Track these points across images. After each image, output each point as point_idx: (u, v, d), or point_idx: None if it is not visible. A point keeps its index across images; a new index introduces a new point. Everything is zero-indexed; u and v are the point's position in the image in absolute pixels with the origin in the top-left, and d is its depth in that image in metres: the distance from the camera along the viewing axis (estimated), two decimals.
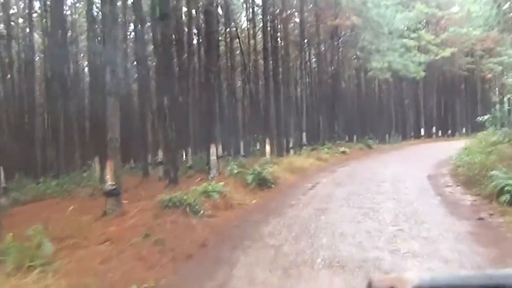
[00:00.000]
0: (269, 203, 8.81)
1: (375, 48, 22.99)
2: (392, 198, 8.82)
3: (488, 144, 15.69)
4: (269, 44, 22.65)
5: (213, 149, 12.32)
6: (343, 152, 20.90)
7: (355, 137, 33.39)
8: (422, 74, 30.85)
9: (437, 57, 32.29)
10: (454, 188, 10.55)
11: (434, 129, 37.33)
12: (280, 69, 24.28)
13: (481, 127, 41.72)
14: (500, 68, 42.21)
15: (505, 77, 44.21)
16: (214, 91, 18.96)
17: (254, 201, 8.79)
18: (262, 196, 9.43)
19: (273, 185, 10.67)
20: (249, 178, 10.25)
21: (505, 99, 49.17)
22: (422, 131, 36.75)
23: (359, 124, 33.39)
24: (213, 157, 12.26)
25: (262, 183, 10.49)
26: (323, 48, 32.35)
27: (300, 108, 24.37)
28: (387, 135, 35.36)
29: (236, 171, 10.92)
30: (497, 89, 47.06)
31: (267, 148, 16.87)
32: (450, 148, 24.08)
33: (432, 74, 36.65)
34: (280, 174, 12.26)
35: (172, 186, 11.42)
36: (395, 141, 31.87)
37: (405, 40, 27.97)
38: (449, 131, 39.76)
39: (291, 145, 23.84)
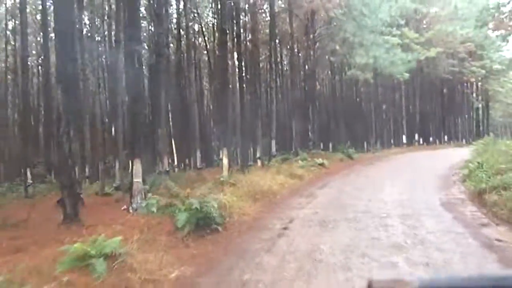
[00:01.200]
0: (204, 275, 4.85)
1: (359, 41, 19.51)
2: (421, 262, 5.03)
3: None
4: (232, 39, 18.97)
5: (137, 168, 8.26)
6: (321, 165, 17.21)
7: (331, 145, 29.96)
8: (406, 76, 27.77)
9: (421, 57, 29.26)
10: (497, 230, 6.92)
11: (416, 137, 34.34)
12: (245, 68, 20.61)
13: (465, 134, 38.87)
14: (484, 71, 40.06)
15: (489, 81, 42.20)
16: (159, 89, 15.15)
17: (175, 274, 4.79)
18: (195, 257, 5.45)
19: (220, 228, 6.72)
20: (180, 219, 6.27)
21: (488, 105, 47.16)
22: (404, 139, 33.70)
23: (336, 130, 29.92)
24: (136, 179, 8.19)
25: (204, 225, 6.54)
26: (297, 48, 28.85)
27: (270, 112, 20.49)
28: (365, 143, 32.07)
29: (155, 208, 6.92)
30: (475, 94, 44.87)
31: (225, 161, 12.91)
32: (443, 159, 20.98)
33: (415, 77, 33.72)
34: (237, 203, 8.32)
35: (67, 225, 7.31)
36: (376, 150, 28.56)
37: (387, 37, 24.68)
38: (431, 139, 36.90)
39: (258, 154, 20.04)
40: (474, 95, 42.85)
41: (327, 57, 29.46)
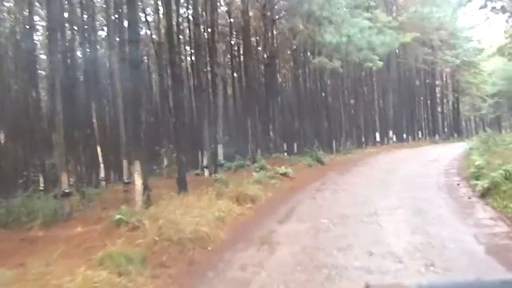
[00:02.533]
0: None
1: (327, 17, 15.47)
2: None
3: None
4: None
5: None
6: (284, 175, 12.99)
7: (296, 146, 25.94)
8: (379, 64, 24.10)
9: (397, 43, 25.67)
10: None
11: (390, 134, 30.85)
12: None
13: (438, 130, 35.82)
14: (458, 61, 37.33)
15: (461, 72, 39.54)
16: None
17: None
18: None
19: None
20: None
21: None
22: (378, 136, 30.13)
23: (302, 129, 25.95)
24: None
25: None
26: (254, 35, 24.70)
27: (215, 110, 15.99)
28: (334, 142, 28.27)
29: None
30: (448, 87, 42.16)
31: (137, 183, 8.44)
32: (432, 161, 17.38)
33: (387, 67, 30.25)
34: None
35: None
36: (349, 150, 24.73)
37: (357, 20, 20.84)
38: (404, 136, 33.59)
39: (205, 163, 15.73)
40: (447, 87, 40.08)
41: (289, 43, 25.45)
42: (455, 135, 43.27)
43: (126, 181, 15.32)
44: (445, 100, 42.25)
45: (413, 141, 32.64)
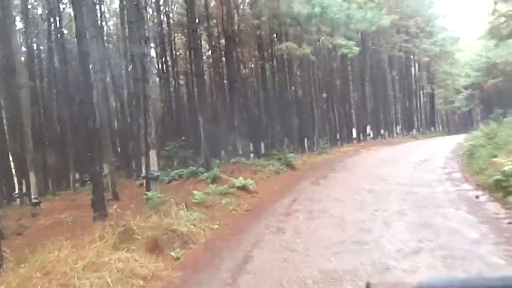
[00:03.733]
0: None
1: None
2: None
3: None
4: None
5: None
6: (243, 188, 9.59)
7: (263, 146, 22.74)
8: (356, 50, 21.11)
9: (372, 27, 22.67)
10: None
11: (368, 129, 27.93)
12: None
13: (415, 124, 33.28)
14: (437, 49, 34.93)
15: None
16: None
17: None
18: None
19: None
20: None
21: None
22: (354, 133, 27.18)
23: (269, 126, 22.77)
24: None
25: None
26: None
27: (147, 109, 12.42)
28: (306, 140, 25.21)
29: None
30: (425, 78, 39.82)
31: None
32: (423, 161, 14.47)
33: (363, 55, 27.39)
34: None
35: None
36: (323, 149, 21.60)
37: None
38: (382, 131, 30.84)
39: (143, 173, 12.27)
40: (423, 78, 37.70)
41: (253, 30, 22.13)
42: (432, 129, 41.12)
43: (34, 200, 11.67)
44: (420, 92, 39.96)
45: (391, 137, 29.95)
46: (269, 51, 23.23)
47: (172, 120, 25.89)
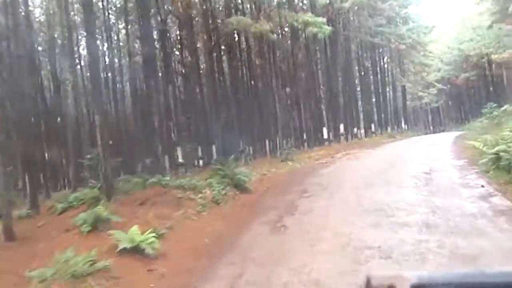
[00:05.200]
0: None
1: None
2: None
3: None
4: None
5: None
6: (135, 252, 4.92)
7: (214, 151, 18.19)
8: (327, 29, 16.84)
9: (345, 3, 18.50)
10: None
11: (341, 129, 23.58)
12: None
13: (389, 121, 29.73)
14: (414, 36, 31.17)
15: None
16: None
17: None
18: None
19: None
20: None
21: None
22: (325, 132, 22.79)
23: (219, 128, 18.20)
24: None
25: None
26: None
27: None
28: (268, 142, 20.79)
29: None
30: (398, 69, 36.17)
31: None
32: (431, 179, 10.10)
33: (335, 41, 23.21)
34: None
35: None
36: (288, 155, 16.96)
37: None
38: (355, 130, 26.72)
39: None
40: (398, 70, 34.01)
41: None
42: (405, 127, 37.59)
43: None
44: (393, 86, 36.35)
45: (367, 136, 25.93)
46: (218, 33, 18.54)
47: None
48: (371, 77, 31.19)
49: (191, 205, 7.51)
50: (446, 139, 20.55)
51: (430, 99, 49.28)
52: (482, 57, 38.81)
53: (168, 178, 9.36)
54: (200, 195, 8.03)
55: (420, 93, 49.10)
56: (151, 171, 12.42)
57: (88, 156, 17.03)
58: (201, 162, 21.11)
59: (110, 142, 18.69)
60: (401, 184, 9.03)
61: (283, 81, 22.51)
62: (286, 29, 23.91)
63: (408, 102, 51.56)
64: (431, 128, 53.12)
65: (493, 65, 39.98)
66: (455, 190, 8.24)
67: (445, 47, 46.03)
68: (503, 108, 30.14)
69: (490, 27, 26.27)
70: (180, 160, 16.32)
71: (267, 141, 21.39)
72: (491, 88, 46.51)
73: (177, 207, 7.27)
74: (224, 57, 20.21)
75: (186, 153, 18.24)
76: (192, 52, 18.47)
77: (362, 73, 29.88)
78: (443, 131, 49.83)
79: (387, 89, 33.77)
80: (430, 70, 40.81)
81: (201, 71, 20.78)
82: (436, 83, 40.87)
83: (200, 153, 21.06)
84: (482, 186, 8.36)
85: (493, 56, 33.94)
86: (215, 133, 19.71)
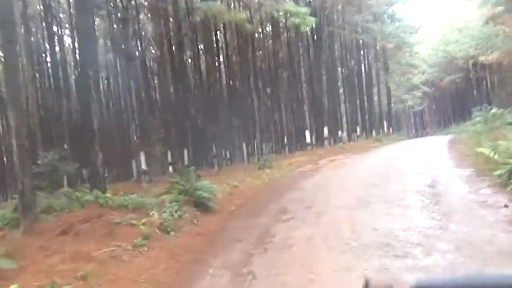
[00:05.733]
0: None
1: None
2: None
3: None
4: None
5: None
6: None
7: (186, 155, 16.26)
8: (311, 21, 15.08)
9: None
10: None
11: (325, 132, 21.78)
12: None
13: (374, 124, 28.42)
14: (402, 34, 29.66)
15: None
16: None
17: None
18: None
19: None
20: None
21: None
22: (308, 136, 20.94)
23: (185, 133, 16.25)
24: None
25: None
26: None
27: None
28: (245, 146, 18.92)
29: None
30: (381, 71, 34.71)
31: None
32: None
33: (319, 37, 21.50)
34: None
35: None
36: (266, 161, 15.05)
37: None
38: (340, 133, 24.99)
39: None
40: (383, 71, 32.51)
41: None
42: (390, 130, 36.09)
43: None
44: (377, 88, 34.87)
45: (352, 140, 24.23)
46: (191, 24, 16.59)
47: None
48: (356, 78, 29.60)
49: (129, 235, 5.53)
50: (438, 143, 18.99)
51: (414, 102, 48.15)
52: (469, 59, 37.77)
53: (109, 195, 7.33)
54: (145, 219, 6.06)
55: (404, 96, 48.04)
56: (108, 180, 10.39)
57: (40, 162, 14.95)
58: (170, 168, 19.11)
59: (65, 146, 16.53)
60: (403, 202, 7.22)
61: (264, 81, 20.69)
62: (268, 26, 22.22)
63: (391, 105, 50.43)
64: (414, 131, 52.00)
65: (479, 67, 38.95)
66: (473, 212, 6.49)
67: (429, 49, 44.97)
68: (492, 111, 29.08)
69: (486, 23, 24.91)
70: (144, 167, 14.27)
71: (245, 145, 19.50)
72: (474, 92, 45.70)
73: (109, 239, 5.30)
74: (199, 52, 18.24)
75: (153, 158, 16.23)
76: (160, 45, 16.43)
77: (346, 74, 28.26)
78: (427, 134, 48.79)
79: (372, 91, 32.25)
80: (416, 72, 39.60)
81: (174, 68, 18.78)
82: (421, 85, 39.65)
83: (170, 158, 19.05)
84: (506, 206, 6.64)
85: (481, 58, 32.78)
86: (188, 136, 17.74)
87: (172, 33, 15.81)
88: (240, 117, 19.25)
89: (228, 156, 18.11)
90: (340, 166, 12.65)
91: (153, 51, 17.80)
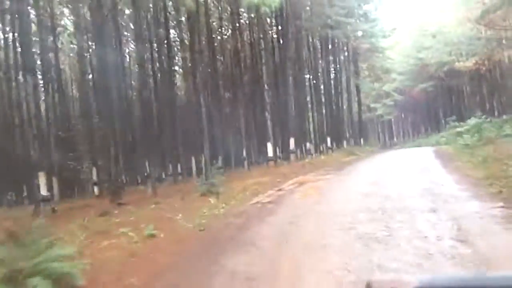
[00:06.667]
0: None
1: None
2: None
3: None
4: None
5: None
6: None
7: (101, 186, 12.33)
8: (275, 1, 11.57)
9: None
10: None
11: (291, 144, 18.10)
12: None
13: (344, 134, 24.98)
14: (378, 34, 26.59)
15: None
16: None
17: None
18: None
19: None
20: None
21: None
22: (270, 149, 17.21)
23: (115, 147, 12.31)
24: None
25: None
26: None
27: None
28: (194, 161, 15.21)
29: None
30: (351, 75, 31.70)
31: None
32: None
33: (285, 34, 18.16)
34: None
35: None
36: (212, 186, 11.25)
37: None
38: (308, 145, 21.57)
39: None
40: (355, 75, 29.47)
41: None
42: (361, 141, 33.12)
43: None
44: (347, 95, 31.91)
45: (323, 153, 20.91)
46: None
47: None
48: (326, 82, 26.43)
49: None
50: (426, 158, 15.87)
51: (384, 111, 45.74)
52: (442, 66, 35.57)
53: None
54: None
55: (373, 105, 45.55)
56: None
57: None
58: (96, 189, 15.09)
59: None
60: None
61: (215, 82, 17.05)
62: (227, 22, 18.79)
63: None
64: (381, 142, 49.37)
65: (453, 75, 36.81)
66: None
67: (400, 55, 42.74)
68: (473, 123, 26.59)
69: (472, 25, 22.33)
70: (44, 191, 10.27)
71: (193, 160, 15.75)
72: (449, 101, 43.73)
73: None
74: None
75: (64, 179, 12.21)
76: None
77: (315, 77, 25.02)
78: (395, 145, 46.42)
79: (343, 97, 29.21)
80: (386, 79, 37.11)
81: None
82: (393, 93, 37.18)
83: (95, 176, 15.04)
84: None
85: (456, 65, 30.45)
86: (118, 149, 13.79)
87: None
88: (187, 126, 15.53)
89: (171, 172, 14.36)
90: (312, 195, 9.11)
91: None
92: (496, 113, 28.89)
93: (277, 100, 19.06)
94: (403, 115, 53.56)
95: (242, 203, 8.81)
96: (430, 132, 45.84)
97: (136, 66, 15.56)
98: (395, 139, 54.96)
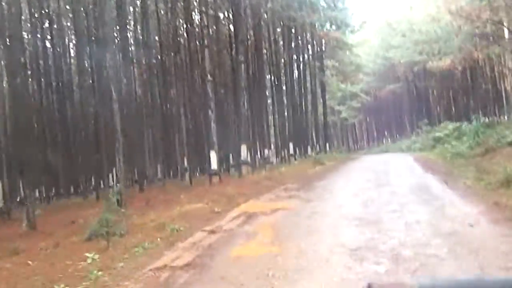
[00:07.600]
0: None
1: None
2: None
3: None
4: None
5: None
6: None
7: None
8: None
9: None
10: None
11: (244, 153, 14.19)
12: None
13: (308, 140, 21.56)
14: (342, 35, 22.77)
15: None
16: None
17: None
18: None
19: None
20: None
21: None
22: (214, 161, 13.17)
23: None
24: None
25: None
26: None
27: None
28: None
29: None
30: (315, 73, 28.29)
31: None
32: None
33: (236, 20, 14.39)
34: None
35: None
36: (107, 224, 7.37)
37: None
38: (266, 153, 17.89)
39: None
40: (319, 72, 26.03)
41: None
42: (326, 147, 29.78)
43: None
44: (311, 96, 28.47)
45: (283, 162, 17.34)
46: None
47: None
48: (288, 80, 22.90)
49: None
50: (412, 170, 12.52)
51: (348, 114, 42.87)
52: (412, 66, 32.99)
53: None
54: None
55: (337, 107, 42.54)
56: None
57: None
58: None
59: None
60: None
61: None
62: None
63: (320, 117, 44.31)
64: (344, 148, 46.33)
65: (424, 76, 34.30)
66: None
67: (366, 54, 40.05)
68: (454, 126, 23.83)
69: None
70: None
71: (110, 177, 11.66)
72: (414, 103, 41.37)
73: None
74: None
75: None
76: None
77: (276, 73, 21.44)
78: (362, 150, 43.75)
79: (307, 98, 25.73)
80: (357, 78, 34.12)
81: None
82: (360, 94, 34.22)
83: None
84: None
85: (429, 65, 27.74)
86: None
87: None
88: (107, 140, 11.47)
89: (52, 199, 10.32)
90: (262, 246, 5.35)
91: None
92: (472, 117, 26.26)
93: (226, 98, 15.30)
94: (367, 119, 50.88)
95: (136, 266, 4.91)
96: (397, 137, 43.44)
97: None
98: (359, 144, 52.28)
